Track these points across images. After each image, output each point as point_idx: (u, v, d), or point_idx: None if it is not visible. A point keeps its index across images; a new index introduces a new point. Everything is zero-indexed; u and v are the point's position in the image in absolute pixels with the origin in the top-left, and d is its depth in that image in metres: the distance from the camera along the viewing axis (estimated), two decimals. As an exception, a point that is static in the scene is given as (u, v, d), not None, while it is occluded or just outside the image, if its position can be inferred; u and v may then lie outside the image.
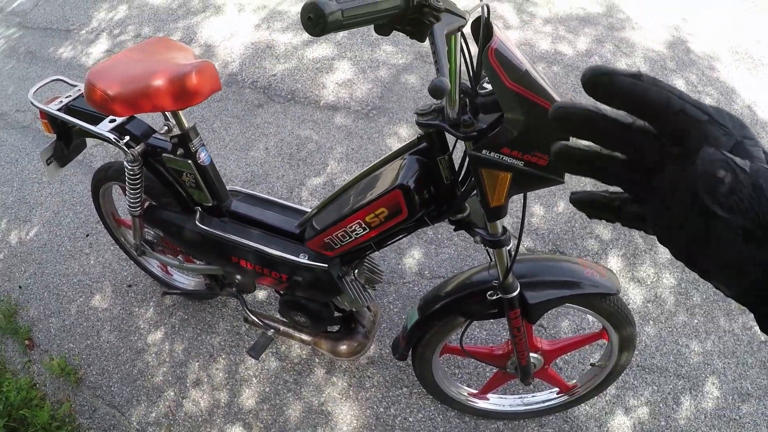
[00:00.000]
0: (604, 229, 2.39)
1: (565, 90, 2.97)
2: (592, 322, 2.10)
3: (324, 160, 2.76)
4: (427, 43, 0.86)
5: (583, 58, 3.18)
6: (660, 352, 2.04)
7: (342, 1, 0.75)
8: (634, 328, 1.50)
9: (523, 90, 0.90)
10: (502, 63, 0.89)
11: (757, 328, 2.12)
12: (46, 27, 4.35)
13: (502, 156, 0.96)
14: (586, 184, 2.41)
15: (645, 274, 2.26)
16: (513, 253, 1.23)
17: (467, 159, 1.16)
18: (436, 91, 0.76)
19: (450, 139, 1.13)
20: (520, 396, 1.86)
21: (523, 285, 1.32)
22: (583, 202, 0.40)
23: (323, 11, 0.73)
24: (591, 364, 1.75)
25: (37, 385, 2.20)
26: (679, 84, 3.06)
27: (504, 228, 1.20)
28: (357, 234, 1.29)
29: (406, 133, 2.83)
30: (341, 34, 3.49)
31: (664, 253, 2.33)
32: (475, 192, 1.15)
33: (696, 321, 2.14)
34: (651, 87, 0.32)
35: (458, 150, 1.19)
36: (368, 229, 1.27)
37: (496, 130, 0.95)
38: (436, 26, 0.83)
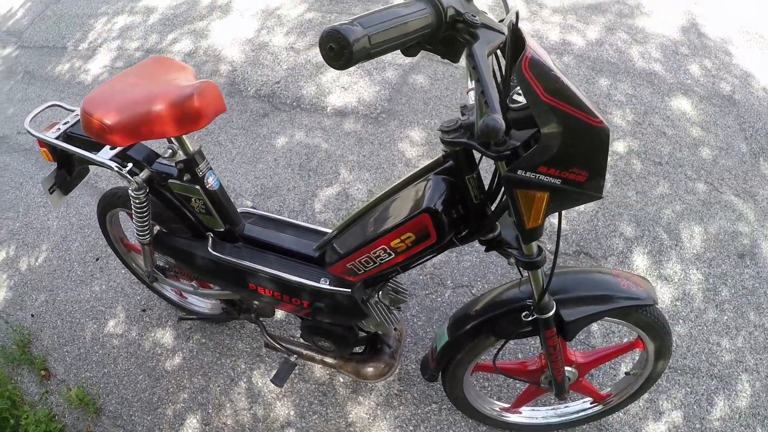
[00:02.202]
0: (627, 226, 2.33)
1: (578, 81, 2.89)
2: (624, 328, 2.04)
3: (335, 169, 2.69)
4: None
5: (595, 47, 3.10)
6: (691, 352, 1.98)
7: (367, 25, 0.66)
8: (670, 336, 1.44)
9: (559, 103, 0.81)
10: (537, 75, 0.79)
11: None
12: (43, 45, 4.29)
13: (538, 175, 0.88)
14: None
15: (672, 271, 2.20)
16: (549, 272, 1.16)
17: (497, 176, 1.10)
18: (490, 132, 0.67)
19: (477, 154, 1.06)
20: (553, 408, 1.80)
21: (558, 302, 1.25)
22: None
23: (347, 39, 0.64)
24: (626, 373, 1.69)
25: (56, 417, 2.15)
26: (694, 70, 2.98)
27: (539, 248, 1.13)
28: (382, 260, 1.23)
29: (418, 136, 2.76)
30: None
31: (690, 248, 2.26)
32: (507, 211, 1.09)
33: (726, 317, 2.07)
34: None
35: (483, 165, 1.12)
36: (394, 255, 1.20)
37: (534, 148, 0.86)
38: (476, 46, 0.74)
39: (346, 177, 2.65)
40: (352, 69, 3.16)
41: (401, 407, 1.92)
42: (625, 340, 2.00)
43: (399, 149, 2.72)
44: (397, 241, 1.17)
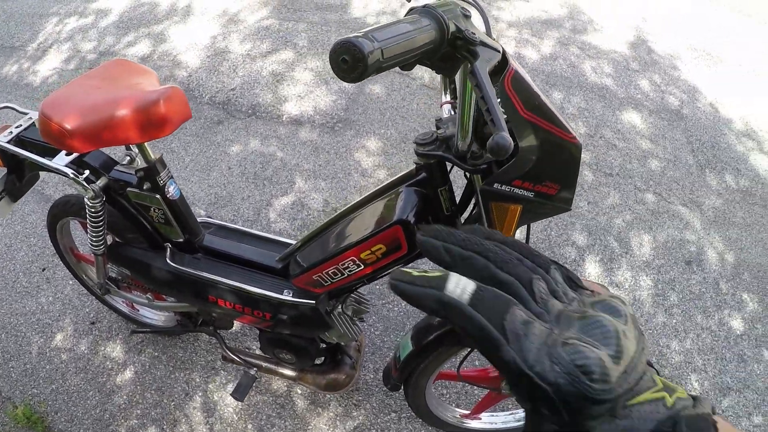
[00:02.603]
0: (579, 235, 2.39)
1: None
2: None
3: (291, 178, 2.66)
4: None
5: (549, 61, 3.18)
6: (644, 357, 2.04)
7: (380, 39, 0.65)
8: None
9: (538, 119, 0.84)
10: (518, 91, 0.83)
11: (733, 323, 2.16)
12: (-11, 45, 4.10)
13: (513, 188, 0.91)
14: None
15: (622, 277, 2.27)
16: None
17: (469, 189, 1.11)
18: (500, 150, 0.67)
19: (449, 166, 1.07)
20: (512, 412, 1.83)
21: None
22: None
23: (363, 52, 0.62)
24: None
25: (2, 437, 2.04)
26: (644, 85, 3.09)
27: None
28: (351, 271, 1.22)
29: (374, 146, 2.76)
30: (301, 41, 3.40)
31: (639, 256, 2.34)
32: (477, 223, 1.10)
33: (675, 321, 2.15)
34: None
35: (453, 175, 1.13)
36: (363, 266, 1.19)
37: (512, 162, 0.89)
38: (478, 64, 0.74)
39: (301, 186, 2.62)
40: (308, 77, 3.15)
41: (360, 417, 1.90)
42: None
43: (355, 159, 2.72)
44: (368, 252, 1.16)
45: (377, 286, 2.23)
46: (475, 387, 1.91)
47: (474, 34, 0.77)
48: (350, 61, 0.64)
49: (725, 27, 3.62)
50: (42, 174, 1.71)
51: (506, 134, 0.68)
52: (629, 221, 2.46)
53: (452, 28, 0.75)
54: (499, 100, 0.93)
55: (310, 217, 2.45)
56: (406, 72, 0.80)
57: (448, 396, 1.94)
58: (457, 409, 1.80)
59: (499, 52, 0.84)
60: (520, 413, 1.81)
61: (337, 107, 2.97)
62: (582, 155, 2.67)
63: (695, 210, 2.54)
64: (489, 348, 0.34)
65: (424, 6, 0.76)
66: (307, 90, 3.09)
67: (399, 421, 1.89)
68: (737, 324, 2.17)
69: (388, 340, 2.08)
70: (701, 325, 2.15)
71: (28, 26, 4.18)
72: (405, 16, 0.77)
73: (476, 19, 0.94)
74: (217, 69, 3.31)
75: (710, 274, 2.31)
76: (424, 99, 2.99)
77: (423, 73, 3.12)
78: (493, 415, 1.81)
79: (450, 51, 0.78)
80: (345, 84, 3.09)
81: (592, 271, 2.27)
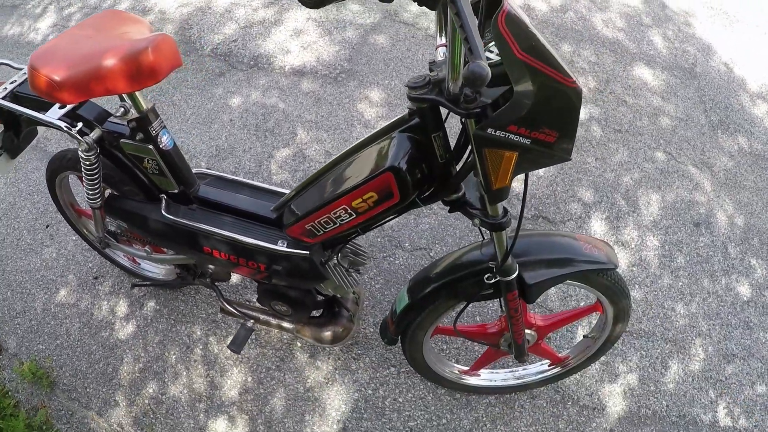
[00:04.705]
0: (586, 192, 2.35)
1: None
2: (582, 291, 2.06)
3: (292, 130, 2.62)
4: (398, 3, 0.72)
5: (558, 13, 3.08)
6: (647, 317, 2.02)
7: None
8: (629, 299, 1.46)
9: (534, 61, 0.79)
10: (513, 30, 0.77)
11: (740, 289, 2.12)
12: (-12, 2, 4.05)
13: (508, 134, 0.86)
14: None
15: (629, 237, 2.23)
16: (513, 234, 1.15)
17: (464, 136, 1.07)
18: (476, 79, 0.64)
19: (444, 112, 1.03)
20: (511, 370, 1.83)
21: (521, 265, 1.25)
22: None
23: None
24: (584, 336, 1.71)
25: (10, 393, 2.06)
26: (657, 41, 3.00)
27: (505, 209, 1.11)
28: (342, 220, 1.19)
29: (377, 97, 2.71)
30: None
31: (647, 215, 2.30)
32: (471, 171, 1.06)
33: (681, 283, 2.12)
34: None
35: (450, 123, 1.09)
36: (355, 215, 1.17)
37: (506, 106, 0.84)
38: None
39: (303, 138, 2.59)
40: (311, 27, 3.07)
41: (360, 371, 1.91)
42: (583, 303, 2.03)
43: (358, 110, 2.67)
44: (359, 200, 1.13)
45: (378, 239, 2.21)
46: (476, 344, 1.90)
47: None
48: None
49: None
50: (43, 132, 1.69)
51: (483, 63, 0.64)
52: (637, 179, 2.41)
53: None
54: (491, 39, 0.89)
55: (312, 169, 2.42)
56: (385, 2, 0.75)
57: (448, 352, 1.94)
58: (456, 365, 1.80)
59: None
60: (520, 371, 1.81)
61: (340, 57, 2.91)
62: (591, 110, 2.63)
63: (706, 171, 2.48)
64: None
65: None
66: (310, 41, 3.02)
67: (398, 376, 1.89)
68: (744, 290, 2.14)
69: (388, 293, 2.07)
70: (707, 290, 2.12)
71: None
72: None
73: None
74: (218, 21, 3.24)
75: (719, 238, 2.27)
76: (429, 49, 2.91)
77: (429, 23, 3.04)
78: (492, 372, 1.81)
79: None
80: (349, 34, 3.02)
81: (597, 228, 2.24)
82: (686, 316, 2.04)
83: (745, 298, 2.11)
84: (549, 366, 1.79)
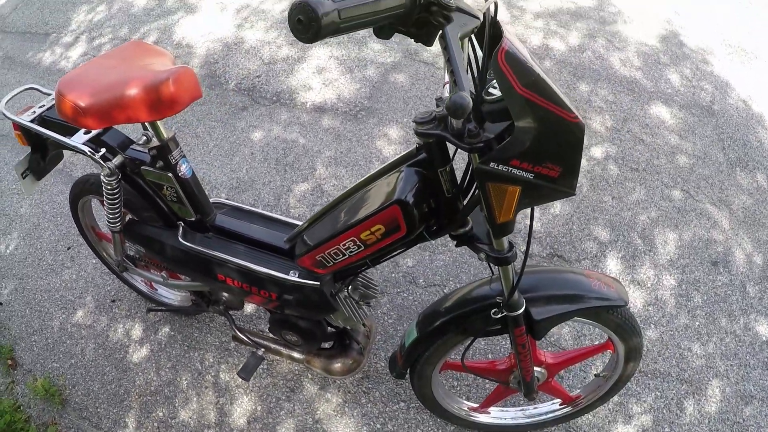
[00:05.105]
0: (602, 230, 2.34)
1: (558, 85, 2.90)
2: (596, 330, 2.04)
3: (312, 165, 2.67)
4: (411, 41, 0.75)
5: (576, 53, 3.11)
6: (662, 357, 1.99)
7: (338, 0, 0.65)
8: (640, 338, 1.44)
9: (535, 96, 0.81)
10: (513, 67, 0.79)
11: (759, 328, 2.08)
12: (25, 31, 4.21)
13: (511, 169, 0.87)
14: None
15: (645, 276, 2.21)
16: (519, 269, 1.15)
17: (470, 170, 1.09)
18: (456, 109, 0.66)
19: (451, 148, 1.05)
20: (522, 408, 1.80)
21: (528, 300, 1.25)
22: None
23: (316, 12, 0.63)
24: (595, 375, 1.69)
25: (22, 408, 2.10)
26: (674, 79, 3.01)
27: (510, 243, 1.12)
28: (351, 252, 1.21)
29: (396, 134, 2.75)
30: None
31: (664, 254, 2.28)
32: (478, 206, 1.08)
33: (697, 323, 2.09)
34: None
35: (458, 159, 1.11)
36: (363, 247, 1.19)
37: (507, 141, 0.85)
38: (449, 28, 0.73)
39: (322, 173, 2.63)
40: (332, 65, 3.15)
41: (369, 404, 1.90)
42: (597, 342, 2.01)
43: (377, 147, 2.71)
44: (367, 233, 1.15)
45: (393, 274, 2.22)
46: (486, 381, 1.88)
47: (450, 0, 0.76)
48: (305, 21, 0.64)
49: (763, 24, 3.49)
50: (69, 157, 1.76)
51: (465, 93, 0.67)
52: (654, 218, 2.40)
53: None
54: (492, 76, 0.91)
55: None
56: (383, 39, 0.78)
57: (459, 388, 1.92)
58: (465, 402, 1.78)
59: (478, 19, 0.81)
60: (531, 409, 1.78)
61: (360, 95, 2.97)
62: (608, 149, 2.64)
63: (724, 209, 2.46)
64: None
65: None
66: (332, 78, 3.10)
67: (407, 411, 1.88)
68: (764, 329, 2.09)
69: (401, 329, 2.07)
70: (725, 329, 2.08)
71: (61, 13, 4.28)
72: None
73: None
74: (243, 57, 3.34)
75: (737, 277, 2.23)
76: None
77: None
78: (502, 410, 1.79)
79: (425, 17, 0.76)
80: (369, 72, 3.08)
81: (613, 267, 2.22)
82: (703, 356, 2.00)
83: (764, 338, 2.07)
84: (560, 405, 1.76)
